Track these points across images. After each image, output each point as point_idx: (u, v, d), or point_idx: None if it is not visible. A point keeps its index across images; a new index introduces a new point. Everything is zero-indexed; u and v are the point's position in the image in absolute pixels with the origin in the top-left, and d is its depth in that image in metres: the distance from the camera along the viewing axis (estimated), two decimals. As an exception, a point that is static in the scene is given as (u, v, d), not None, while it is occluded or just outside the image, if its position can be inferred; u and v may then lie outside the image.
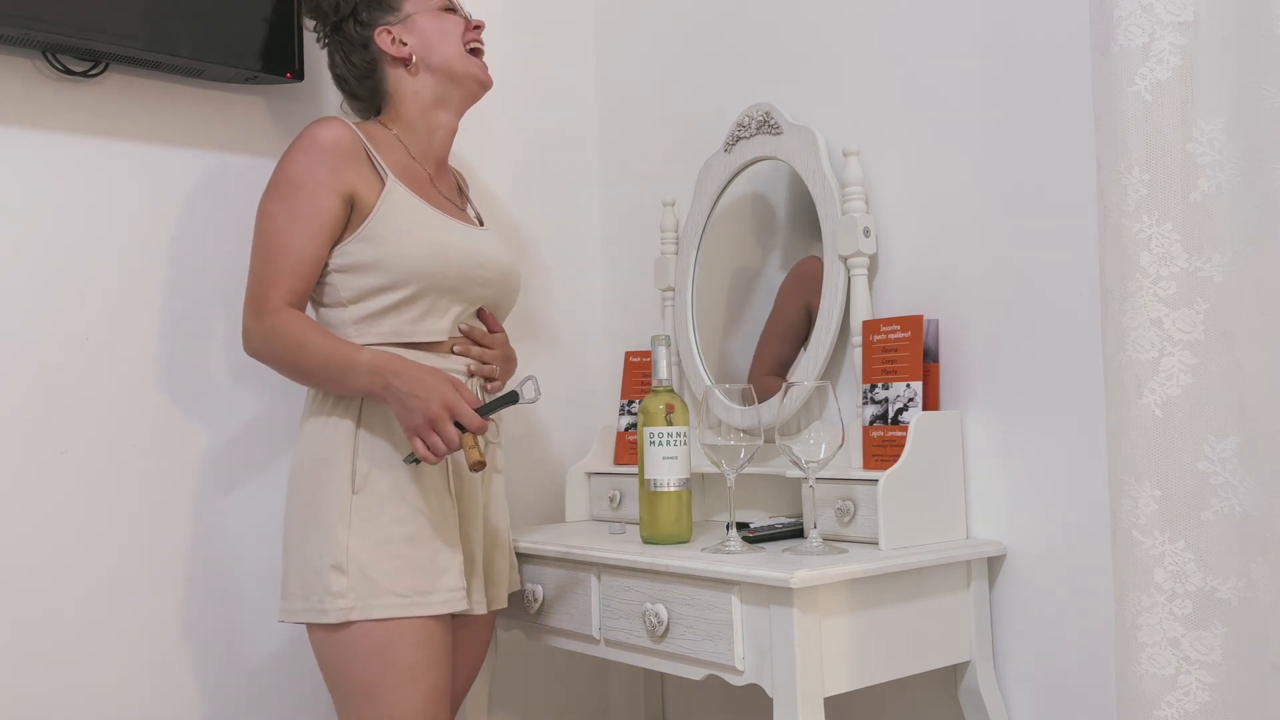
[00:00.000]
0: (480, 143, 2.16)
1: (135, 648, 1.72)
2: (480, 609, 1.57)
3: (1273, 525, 1.15)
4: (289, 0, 1.80)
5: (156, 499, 1.75)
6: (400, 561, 1.47)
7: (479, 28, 1.70)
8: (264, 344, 1.51)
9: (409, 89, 1.66)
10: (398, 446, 1.52)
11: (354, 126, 1.59)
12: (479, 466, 1.45)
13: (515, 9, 2.24)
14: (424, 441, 1.44)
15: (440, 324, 1.57)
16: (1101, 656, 1.47)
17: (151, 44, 1.67)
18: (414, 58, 1.65)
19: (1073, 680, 1.51)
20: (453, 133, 1.72)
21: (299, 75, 1.82)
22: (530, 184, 2.24)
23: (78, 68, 1.70)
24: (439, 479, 1.54)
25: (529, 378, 1.55)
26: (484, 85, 1.70)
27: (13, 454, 1.63)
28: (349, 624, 1.45)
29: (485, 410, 1.48)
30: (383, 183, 1.56)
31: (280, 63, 1.80)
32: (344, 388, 1.50)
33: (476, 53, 1.69)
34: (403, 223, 1.54)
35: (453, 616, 1.59)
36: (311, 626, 1.49)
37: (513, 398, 1.51)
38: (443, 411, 1.43)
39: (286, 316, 1.50)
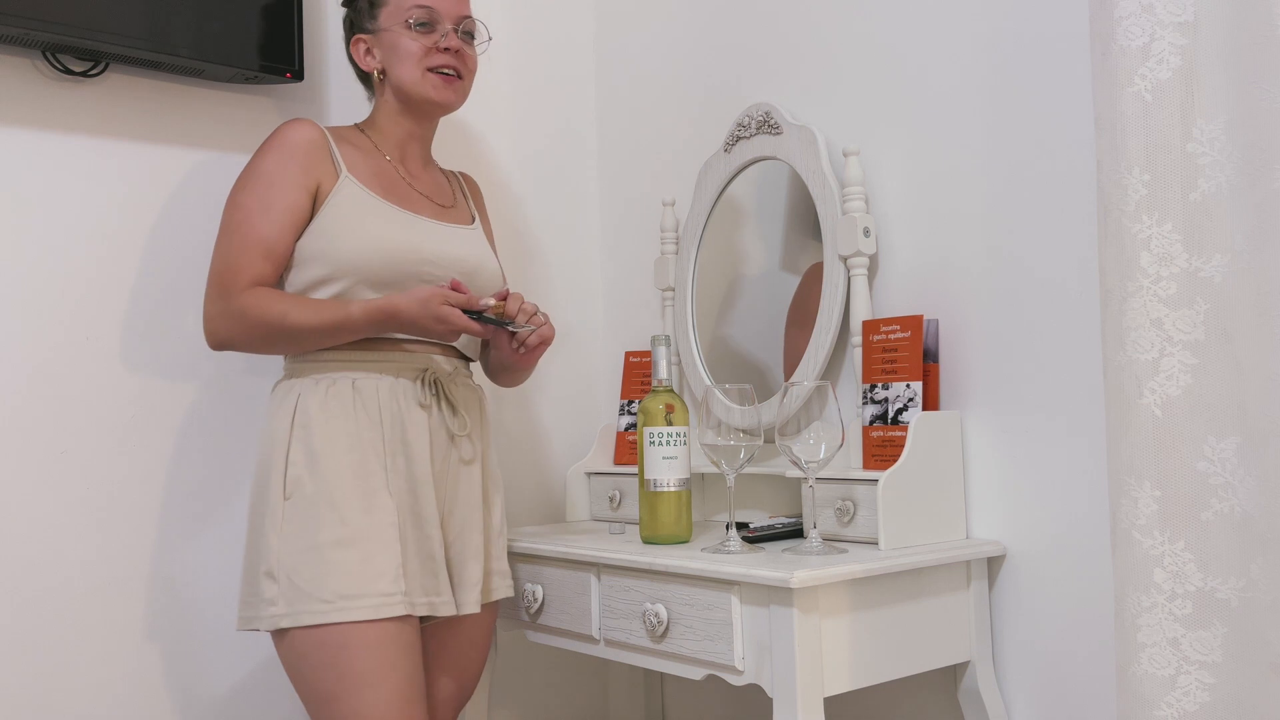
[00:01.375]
0: (481, 143, 2.16)
1: (131, 648, 1.72)
2: (445, 610, 1.54)
3: (1273, 525, 1.15)
4: (289, 0, 1.80)
5: (156, 499, 1.75)
6: (326, 567, 1.45)
7: (449, 50, 1.63)
8: (237, 324, 1.50)
9: (384, 98, 1.68)
10: (330, 453, 1.50)
11: (323, 128, 1.61)
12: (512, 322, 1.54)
13: (516, 9, 2.24)
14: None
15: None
16: (1101, 657, 1.47)
17: (152, 44, 1.68)
18: (376, 73, 1.66)
19: (1073, 680, 1.51)
20: (425, 139, 1.71)
21: (299, 75, 1.82)
22: (530, 184, 2.24)
23: (78, 68, 1.70)
24: (378, 481, 1.52)
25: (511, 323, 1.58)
26: (439, 106, 1.65)
27: (12, 454, 1.63)
28: (294, 632, 1.45)
29: (480, 319, 1.52)
30: (338, 179, 1.58)
31: (280, 62, 1.80)
32: (341, 340, 1.52)
33: (442, 73, 1.63)
34: (345, 217, 1.55)
35: (423, 620, 1.58)
36: (273, 636, 1.49)
37: (505, 322, 1.54)
38: (448, 329, 1.49)
39: (257, 292, 1.50)
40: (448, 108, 1.67)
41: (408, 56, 1.62)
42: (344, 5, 1.72)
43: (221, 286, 1.51)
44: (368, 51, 1.66)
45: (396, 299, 1.49)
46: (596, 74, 2.36)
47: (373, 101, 1.71)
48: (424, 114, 1.67)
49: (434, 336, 1.51)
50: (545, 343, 1.59)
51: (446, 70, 1.64)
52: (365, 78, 1.70)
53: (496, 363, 1.72)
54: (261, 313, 1.49)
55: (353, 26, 1.69)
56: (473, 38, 1.69)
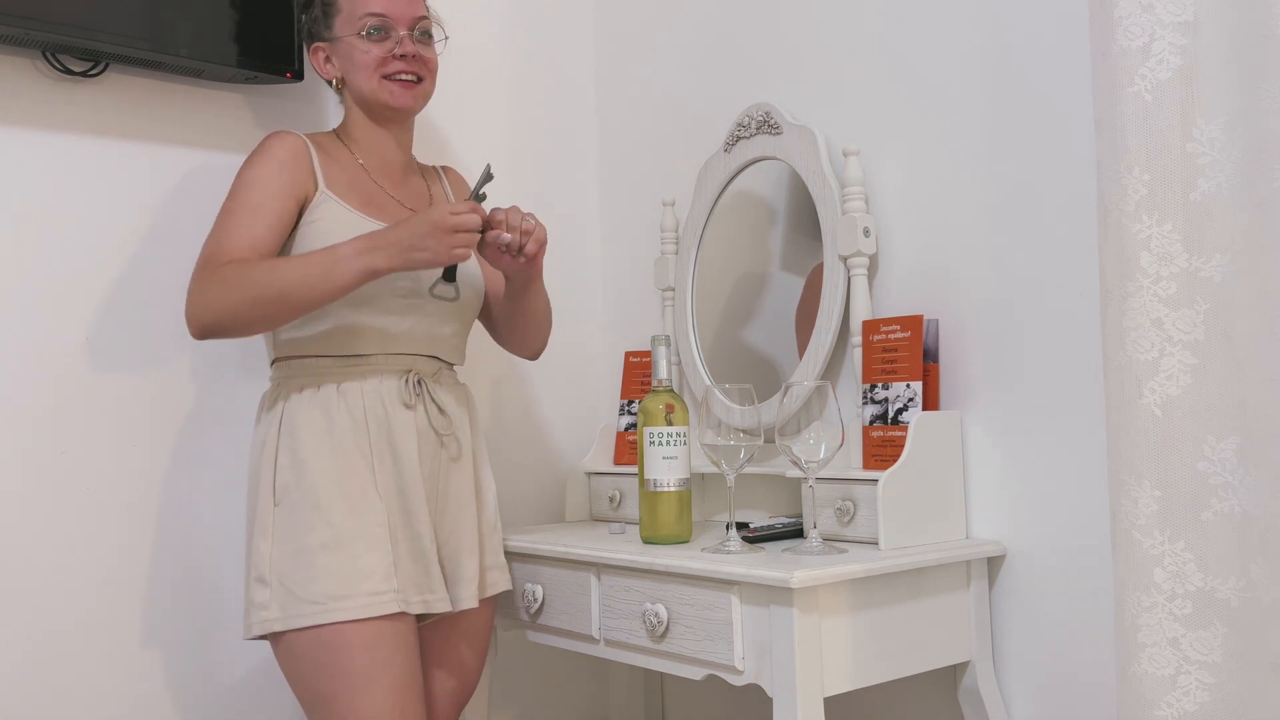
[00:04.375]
0: (480, 142, 2.16)
1: (133, 649, 1.72)
2: (440, 607, 1.54)
3: (1273, 525, 1.15)
4: (289, 0, 1.80)
5: (156, 501, 1.75)
6: (314, 570, 1.46)
7: (405, 57, 1.60)
8: (221, 291, 1.43)
9: (349, 104, 1.68)
10: (315, 457, 1.50)
11: (306, 138, 1.61)
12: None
13: (515, 9, 2.24)
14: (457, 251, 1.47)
15: (360, 339, 1.56)
16: (1101, 656, 1.47)
17: (151, 44, 1.68)
18: (335, 81, 1.66)
19: (1073, 680, 1.51)
20: (401, 143, 1.70)
21: (298, 75, 1.82)
22: (530, 184, 2.24)
23: (78, 68, 1.70)
24: (365, 482, 1.52)
25: (486, 165, 1.59)
26: (398, 112, 1.64)
27: (13, 454, 1.63)
28: (288, 635, 1.46)
29: (473, 197, 1.54)
30: (317, 193, 1.58)
31: (280, 62, 1.80)
32: (336, 283, 1.45)
33: (401, 79, 1.61)
34: (322, 235, 1.54)
35: (420, 618, 1.58)
36: (269, 640, 1.49)
37: (487, 176, 1.56)
38: (449, 233, 1.45)
39: (242, 259, 1.46)
40: (408, 113, 1.66)
41: (363, 66, 1.61)
42: (299, 11, 1.72)
43: (206, 266, 1.47)
44: (326, 59, 1.66)
45: (382, 229, 1.47)
46: (596, 74, 2.36)
47: (343, 105, 1.70)
48: (388, 119, 1.67)
49: (430, 252, 1.45)
50: (542, 245, 1.58)
51: (404, 76, 1.62)
52: (329, 83, 1.69)
53: (507, 315, 1.74)
54: (247, 271, 1.44)
55: (310, 35, 1.68)
56: (430, 37, 1.67)
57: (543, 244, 1.58)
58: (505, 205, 1.56)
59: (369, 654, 1.45)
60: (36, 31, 1.58)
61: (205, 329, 1.46)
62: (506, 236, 1.53)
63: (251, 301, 1.44)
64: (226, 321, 1.45)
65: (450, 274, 1.58)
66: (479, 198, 1.55)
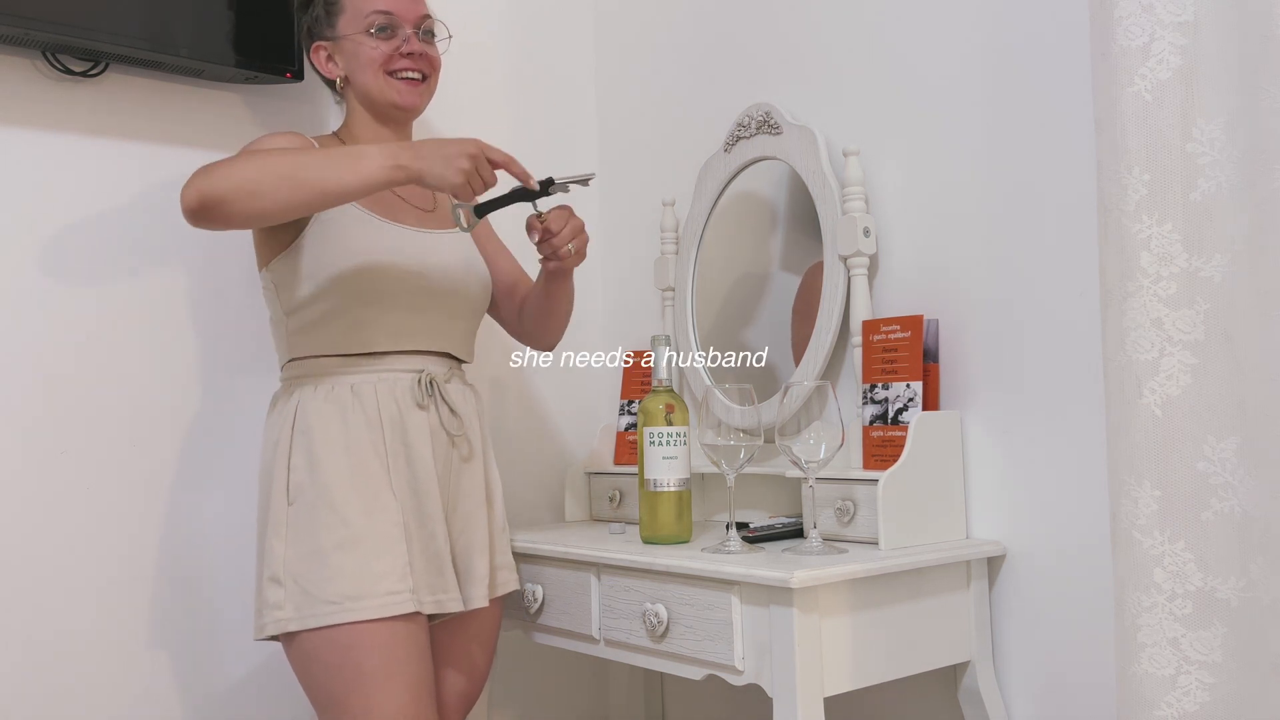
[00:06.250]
0: (480, 143, 2.16)
1: (135, 650, 1.72)
2: (454, 607, 1.54)
3: (1272, 525, 1.15)
4: (289, 0, 1.80)
5: (157, 501, 1.75)
6: (330, 570, 1.45)
7: (411, 54, 1.62)
8: (231, 164, 1.37)
9: (351, 104, 1.67)
10: (330, 457, 1.50)
11: (312, 141, 1.61)
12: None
13: (515, 9, 2.24)
14: (469, 186, 1.43)
15: (373, 336, 1.56)
16: (1101, 656, 1.47)
17: (151, 44, 1.68)
18: (338, 81, 1.66)
19: (1073, 680, 1.51)
20: (403, 140, 1.70)
21: (299, 75, 1.82)
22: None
23: (78, 68, 1.70)
24: (380, 482, 1.52)
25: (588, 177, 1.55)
26: (405, 110, 1.64)
27: (13, 454, 1.63)
28: (302, 635, 1.45)
29: (491, 205, 1.52)
30: None
31: (280, 62, 1.80)
32: (361, 173, 1.40)
33: (407, 77, 1.62)
34: (330, 233, 1.54)
35: (431, 618, 1.58)
36: (282, 640, 1.49)
37: (528, 194, 1.52)
38: (478, 151, 1.42)
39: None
40: (414, 111, 1.67)
41: (370, 64, 1.61)
42: (297, 11, 1.71)
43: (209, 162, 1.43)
44: (329, 58, 1.66)
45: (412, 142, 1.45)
46: (596, 73, 2.36)
47: (342, 106, 1.70)
48: (392, 118, 1.67)
49: (440, 166, 1.41)
50: (581, 246, 1.60)
51: (411, 74, 1.63)
52: (330, 83, 1.69)
53: (536, 307, 1.74)
54: (260, 152, 1.40)
55: (311, 34, 1.68)
56: (434, 36, 1.68)
57: (584, 255, 1.63)
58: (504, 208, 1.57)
59: (384, 654, 1.45)
60: (36, 31, 1.58)
61: (204, 201, 1.37)
62: (569, 249, 1.58)
63: (263, 170, 1.37)
64: (231, 191, 1.36)
65: (481, 212, 1.52)
66: (545, 188, 1.52)
